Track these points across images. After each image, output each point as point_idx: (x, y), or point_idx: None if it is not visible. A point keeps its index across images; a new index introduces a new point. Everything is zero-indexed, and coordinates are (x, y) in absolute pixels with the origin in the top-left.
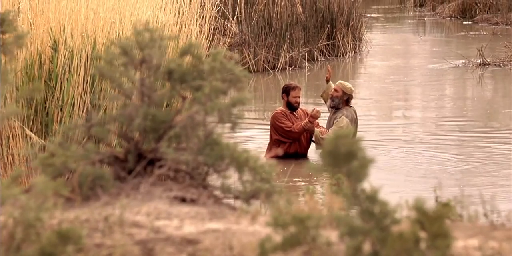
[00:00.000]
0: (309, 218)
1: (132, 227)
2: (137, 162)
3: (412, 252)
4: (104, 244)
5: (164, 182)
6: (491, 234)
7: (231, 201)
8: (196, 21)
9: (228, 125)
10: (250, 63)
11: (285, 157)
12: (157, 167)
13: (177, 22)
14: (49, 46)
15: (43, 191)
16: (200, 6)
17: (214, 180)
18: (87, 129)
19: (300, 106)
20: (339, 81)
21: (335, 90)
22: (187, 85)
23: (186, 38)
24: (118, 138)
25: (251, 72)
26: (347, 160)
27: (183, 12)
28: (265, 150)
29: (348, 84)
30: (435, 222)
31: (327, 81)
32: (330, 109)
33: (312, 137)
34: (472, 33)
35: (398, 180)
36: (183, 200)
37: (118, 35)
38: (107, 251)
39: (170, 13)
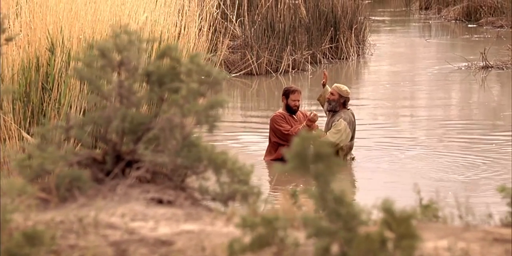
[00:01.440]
0: (277, 219)
1: (106, 228)
2: (115, 164)
3: (378, 253)
4: (77, 245)
5: (141, 184)
6: (462, 235)
7: (211, 203)
8: (195, 23)
9: (206, 127)
10: (252, 66)
11: (284, 159)
12: (134, 169)
13: (176, 24)
14: (47, 48)
15: (9, 193)
16: (201, 8)
17: (194, 182)
18: (66, 131)
19: (303, 109)
20: (335, 84)
21: (331, 93)
22: (165, 87)
23: (186, 41)
24: (96, 140)
25: (253, 74)
26: (315, 162)
27: (183, 15)
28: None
29: (344, 87)
30: (402, 223)
31: (324, 85)
32: (327, 112)
33: None
34: (476, 36)
35: (405, 183)
36: (160, 201)
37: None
38: (80, 252)
39: (169, 15)
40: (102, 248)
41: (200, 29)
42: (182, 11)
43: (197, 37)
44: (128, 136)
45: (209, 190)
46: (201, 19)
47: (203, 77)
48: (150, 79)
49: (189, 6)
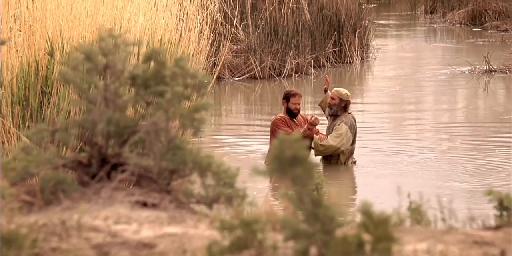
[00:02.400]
0: (256, 222)
1: (89, 231)
2: (100, 167)
3: (355, 255)
4: (60, 248)
5: (127, 187)
6: (442, 238)
7: (196, 206)
8: (196, 27)
9: (191, 130)
10: (256, 70)
11: None
12: (119, 172)
13: (176, 28)
14: (46, 52)
15: None
16: (202, 12)
17: (180, 184)
18: (51, 134)
19: (307, 112)
20: (335, 89)
21: (332, 98)
22: (150, 91)
23: (186, 45)
24: (82, 143)
25: (256, 78)
26: (293, 165)
27: (184, 19)
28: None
29: (344, 90)
30: (379, 226)
31: (325, 91)
32: (329, 117)
33: (311, 144)
34: (481, 40)
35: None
36: (145, 204)
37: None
38: (62, 255)
39: (170, 19)
40: (84, 251)
41: (200, 33)
42: (186, 16)
43: (198, 41)
44: (114, 139)
45: (194, 193)
46: (201, 23)
47: (188, 80)
48: (135, 83)
49: (190, 10)
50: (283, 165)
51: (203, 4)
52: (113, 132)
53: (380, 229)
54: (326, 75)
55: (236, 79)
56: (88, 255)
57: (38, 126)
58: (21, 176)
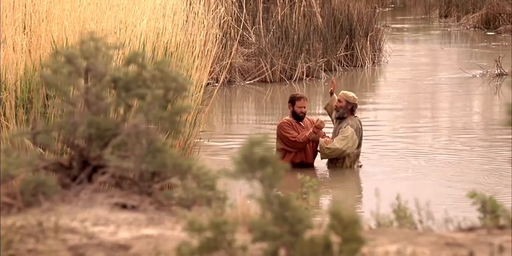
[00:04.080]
0: (225, 223)
1: (67, 233)
2: (81, 169)
3: None
4: (36, 250)
5: (107, 189)
6: (415, 239)
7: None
8: (202, 30)
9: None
10: (267, 74)
11: (291, 166)
12: (100, 174)
13: (182, 32)
14: (51, 55)
15: None
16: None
17: (162, 187)
18: (33, 137)
19: (318, 116)
20: (342, 91)
21: (339, 100)
22: (131, 94)
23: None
24: (63, 145)
25: (267, 82)
26: (261, 166)
27: (190, 21)
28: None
29: (350, 93)
30: (347, 228)
31: (331, 93)
32: (335, 120)
33: (317, 147)
34: (494, 43)
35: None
36: (124, 206)
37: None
38: None
39: (176, 23)
40: (60, 253)
41: (206, 36)
42: (193, 19)
43: (204, 44)
44: (95, 142)
45: (175, 195)
46: (208, 26)
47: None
48: (117, 85)
49: (196, 13)
50: (251, 166)
51: (210, 7)
52: (95, 135)
53: (348, 230)
54: (333, 78)
55: (247, 82)
56: None
57: (19, 128)
58: (2, 178)
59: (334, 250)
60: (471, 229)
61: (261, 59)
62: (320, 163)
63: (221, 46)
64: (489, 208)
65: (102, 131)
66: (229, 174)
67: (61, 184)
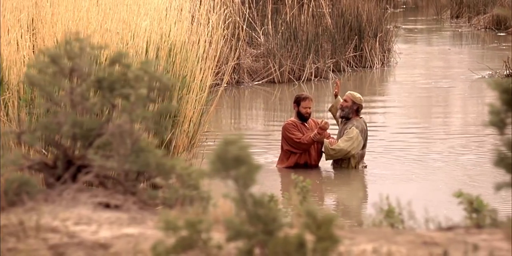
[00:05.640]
0: (200, 222)
1: (48, 232)
2: (66, 169)
3: (294, 255)
4: (16, 249)
5: (91, 188)
6: (393, 238)
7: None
8: (206, 31)
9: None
10: (275, 74)
11: (296, 167)
12: (83, 174)
13: (187, 32)
14: None
15: None
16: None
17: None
18: (18, 136)
19: (327, 116)
20: (349, 92)
21: (345, 100)
22: (116, 94)
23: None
24: (48, 145)
25: (275, 83)
26: (235, 166)
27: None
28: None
29: (357, 94)
30: (322, 226)
31: (335, 95)
32: (340, 119)
33: (322, 148)
34: (504, 44)
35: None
36: (107, 206)
37: (126, 46)
38: (17, 255)
39: (181, 23)
40: (40, 252)
41: (211, 37)
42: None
43: (209, 44)
44: (80, 142)
45: (158, 194)
46: (212, 27)
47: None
48: (101, 86)
49: (201, 14)
50: (225, 166)
51: (214, 7)
52: (79, 135)
53: (322, 229)
54: (337, 80)
55: (255, 83)
56: (43, 255)
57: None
58: None
59: (308, 248)
60: (450, 228)
61: (269, 60)
62: (325, 164)
63: (229, 47)
64: (470, 208)
65: (86, 131)
66: (203, 174)
67: (46, 184)
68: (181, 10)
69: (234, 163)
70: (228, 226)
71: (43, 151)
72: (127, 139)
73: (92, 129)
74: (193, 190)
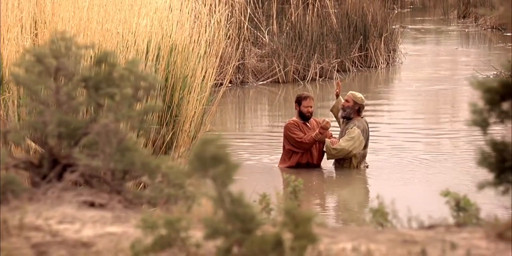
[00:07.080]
0: (179, 220)
1: (31, 230)
2: (51, 168)
3: (271, 253)
4: None
5: (76, 187)
6: (374, 237)
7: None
8: (208, 30)
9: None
10: (280, 74)
11: (298, 167)
12: (69, 173)
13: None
14: None
15: None
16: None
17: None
18: (3, 135)
19: (329, 117)
20: (350, 92)
21: (346, 100)
22: (101, 93)
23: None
24: (34, 144)
25: (280, 83)
26: (213, 164)
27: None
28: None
29: (358, 94)
30: (300, 225)
31: (337, 96)
32: (341, 119)
33: (323, 147)
34: (510, 44)
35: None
36: (92, 205)
37: (127, 46)
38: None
39: (182, 22)
40: (22, 250)
41: (213, 36)
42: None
43: (210, 44)
44: (66, 141)
45: (143, 193)
46: (213, 26)
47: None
48: (87, 85)
49: (200, 12)
50: (203, 165)
51: (215, 7)
52: (65, 134)
53: (300, 227)
54: (338, 80)
55: (260, 83)
56: (26, 254)
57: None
58: None
59: (285, 247)
60: (431, 227)
61: (274, 60)
62: (326, 163)
63: (233, 46)
64: (453, 207)
65: (72, 130)
66: (182, 173)
67: (31, 183)
68: (183, 9)
69: (212, 162)
70: (207, 225)
71: (31, 148)
72: (112, 138)
73: (78, 128)
74: (179, 189)
